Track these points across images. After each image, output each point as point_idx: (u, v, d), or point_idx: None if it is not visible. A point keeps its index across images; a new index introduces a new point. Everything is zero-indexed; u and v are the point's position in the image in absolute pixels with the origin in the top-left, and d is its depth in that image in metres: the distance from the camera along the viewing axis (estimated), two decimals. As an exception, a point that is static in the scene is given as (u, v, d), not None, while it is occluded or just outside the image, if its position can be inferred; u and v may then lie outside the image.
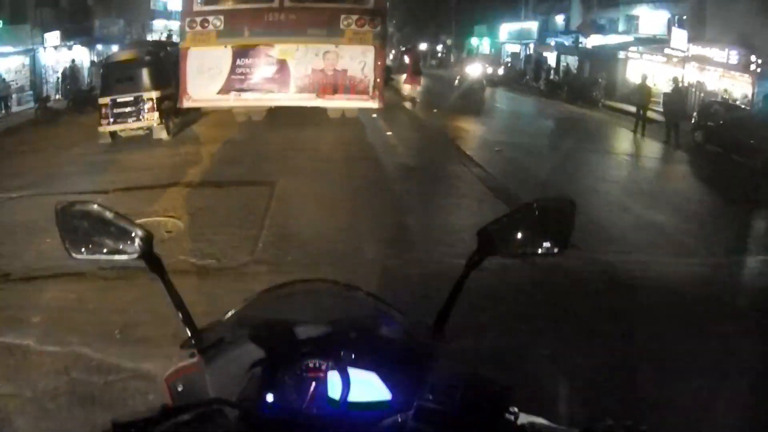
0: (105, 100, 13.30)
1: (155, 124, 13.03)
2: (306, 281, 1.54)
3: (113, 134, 13.61)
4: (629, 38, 27.96)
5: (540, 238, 1.35)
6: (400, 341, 1.32)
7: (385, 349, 1.26)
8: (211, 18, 9.51)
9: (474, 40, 46.37)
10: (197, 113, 15.00)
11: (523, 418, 1.07)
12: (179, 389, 1.26)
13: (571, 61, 32.57)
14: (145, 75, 13.10)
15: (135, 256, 1.33)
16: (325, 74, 9.81)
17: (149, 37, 33.00)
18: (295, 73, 9.83)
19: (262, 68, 9.86)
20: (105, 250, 1.34)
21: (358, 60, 9.81)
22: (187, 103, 10.14)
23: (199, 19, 9.54)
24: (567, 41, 33.62)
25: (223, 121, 14.18)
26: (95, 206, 1.35)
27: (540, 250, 1.35)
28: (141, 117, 12.92)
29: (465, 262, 1.35)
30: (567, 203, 1.37)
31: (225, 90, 9.80)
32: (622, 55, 27.12)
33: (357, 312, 1.45)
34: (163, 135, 13.13)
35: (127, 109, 12.97)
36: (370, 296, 1.48)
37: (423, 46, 54.90)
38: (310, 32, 9.72)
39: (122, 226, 1.33)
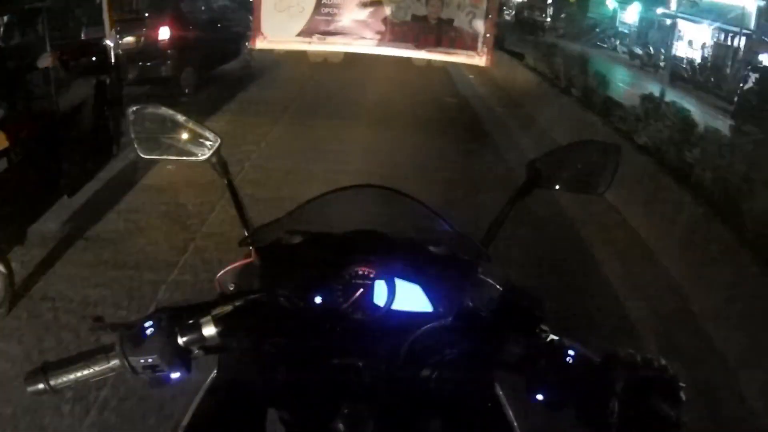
0: None
1: None
2: (361, 186, 1.60)
3: None
4: None
5: (586, 176, 1.58)
6: (446, 256, 1.47)
7: (432, 264, 1.43)
8: None
9: (610, 3, 39.02)
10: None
11: (553, 335, 1.17)
12: (231, 286, 1.44)
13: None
14: None
15: (203, 158, 1.56)
16: (428, 23, 9.36)
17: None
18: (392, 19, 9.40)
19: (352, 9, 9.44)
20: (174, 151, 1.58)
21: (466, 10, 9.32)
22: (260, 45, 9.69)
23: None
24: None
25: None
26: (167, 110, 1.56)
27: (584, 188, 1.60)
28: None
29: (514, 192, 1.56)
30: (615, 150, 1.57)
31: (307, 32, 9.43)
32: None
33: (409, 222, 1.62)
34: None
35: None
36: (424, 206, 1.59)
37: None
38: None
39: (193, 128, 1.56)
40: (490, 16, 9.36)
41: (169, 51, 10.33)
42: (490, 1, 9.38)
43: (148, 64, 10.03)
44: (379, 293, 1.34)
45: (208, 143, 1.57)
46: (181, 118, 1.57)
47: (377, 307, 1.33)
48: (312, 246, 1.47)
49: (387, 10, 9.36)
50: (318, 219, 1.57)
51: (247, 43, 12.46)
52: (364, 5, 9.39)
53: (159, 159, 1.62)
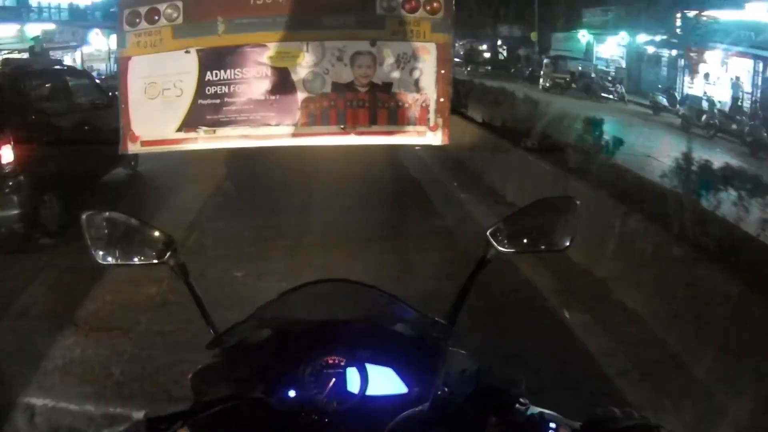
0: None
1: None
2: (324, 281, 1.84)
3: None
4: None
5: (546, 235, 1.90)
6: (414, 337, 1.74)
7: (401, 346, 1.69)
8: (163, 7, 6.89)
9: (582, 36, 36.55)
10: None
11: (532, 409, 1.41)
12: (204, 387, 1.66)
13: None
14: None
15: (159, 261, 1.87)
16: (355, 92, 7.29)
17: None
18: (304, 92, 7.21)
19: (250, 84, 7.34)
20: (131, 256, 1.90)
21: (409, 66, 7.31)
22: (132, 148, 7.47)
23: (143, 10, 6.84)
24: None
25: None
26: (119, 214, 1.91)
27: (545, 247, 1.93)
28: None
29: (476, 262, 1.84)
30: (571, 202, 1.93)
31: (190, 123, 7.14)
32: None
33: (373, 310, 1.86)
34: None
35: None
36: (386, 294, 1.82)
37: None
38: (328, 21, 7.24)
39: (146, 231, 1.90)
40: (442, 71, 7.50)
41: (16, 179, 8.48)
42: (441, 49, 7.47)
43: None
44: (352, 380, 1.56)
45: (164, 246, 1.85)
46: (134, 222, 1.88)
47: (351, 394, 1.55)
48: (279, 341, 1.70)
49: (296, 79, 7.48)
50: (283, 315, 1.80)
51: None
52: (265, 75, 7.52)
53: (117, 265, 1.89)
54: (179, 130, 7.32)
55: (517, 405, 1.37)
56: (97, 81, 14.43)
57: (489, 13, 41.77)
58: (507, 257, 1.85)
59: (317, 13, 7.30)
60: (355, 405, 1.51)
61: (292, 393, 1.51)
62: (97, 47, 31.76)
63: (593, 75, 33.54)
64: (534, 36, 38.30)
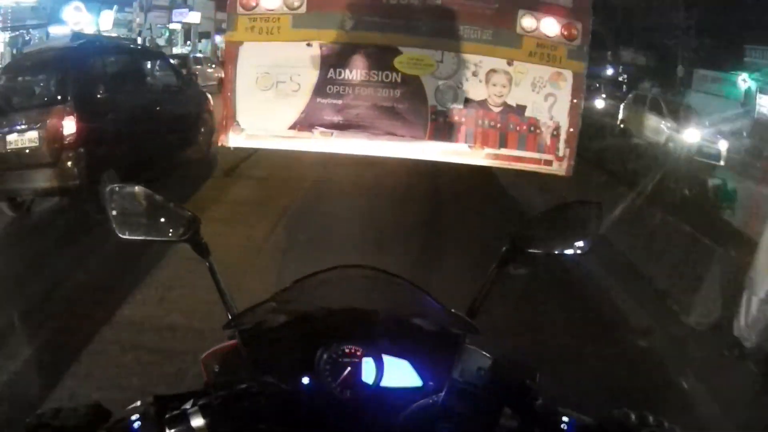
0: None
1: None
2: (346, 267, 1.96)
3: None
4: None
5: (568, 238, 2.15)
6: (434, 331, 1.89)
7: (419, 338, 1.84)
8: None
9: (743, 80, 30.43)
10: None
11: (547, 403, 1.56)
12: (216, 369, 1.83)
13: None
14: None
15: (182, 238, 2.03)
16: (487, 110, 8.06)
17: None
18: (435, 103, 8.07)
19: (375, 89, 8.06)
20: (152, 232, 2.06)
21: (544, 92, 8.05)
22: (234, 141, 7.74)
23: None
24: None
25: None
26: (144, 189, 2.02)
27: (567, 250, 2.15)
28: None
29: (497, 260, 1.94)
30: (594, 207, 2.14)
31: (305, 121, 7.86)
32: None
33: (394, 299, 2.01)
34: None
35: None
36: (408, 284, 1.95)
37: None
38: (465, 32, 8.15)
39: (170, 208, 2.04)
40: (575, 100, 7.86)
41: (77, 152, 9.47)
42: (576, 78, 7.83)
43: (48, 171, 9.23)
44: (368, 371, 1.69)
45: (186, 224, 2.01)
46: (158, 197, 2.00)
47: (366, 385, 1.68)
48: (297, 327, 1.83)
49: (429, 92, 7.94)
50: (302, 300, 1.91)
51: (201, 132, 11.35)
52: (394, 81, 8.09)
53: (137, 239, 2.04)
54: (292, 127, 7.88)
55: (531, 398, 1.53)
56: (173, 62, 15.38)
57: (608, 33, 40.05)
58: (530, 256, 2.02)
59: (455, 22, 7.69)
60: (369, 395, 1.64)
61: (306, 380, 1.64)
62: (75, 27, 27.73)
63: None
64: (681, 71, 36.74)
